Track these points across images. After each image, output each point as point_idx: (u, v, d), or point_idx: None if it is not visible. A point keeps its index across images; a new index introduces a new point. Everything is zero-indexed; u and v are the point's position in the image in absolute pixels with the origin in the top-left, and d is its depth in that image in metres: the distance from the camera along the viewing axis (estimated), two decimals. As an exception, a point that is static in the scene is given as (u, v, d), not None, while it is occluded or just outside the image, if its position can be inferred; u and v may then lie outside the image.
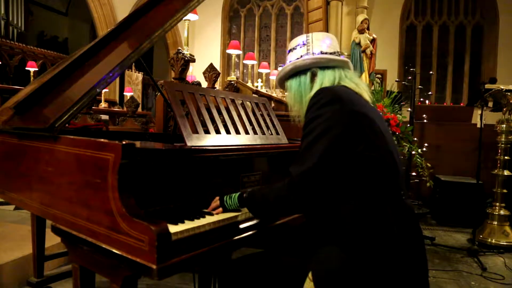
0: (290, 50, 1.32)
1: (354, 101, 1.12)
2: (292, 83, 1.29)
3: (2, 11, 8.75)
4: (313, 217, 1.15)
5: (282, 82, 1.35)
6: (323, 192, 1.07)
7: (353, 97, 1.15)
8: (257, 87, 5.53)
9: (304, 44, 1.28)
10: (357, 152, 1.06)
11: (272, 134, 1.77)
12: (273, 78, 6.14)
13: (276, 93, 5.71)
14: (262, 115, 1.79)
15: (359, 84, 1.24)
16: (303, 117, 1.25)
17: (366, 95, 1.22)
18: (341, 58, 1.26)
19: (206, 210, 1.24)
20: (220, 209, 1.23)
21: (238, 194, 1.24)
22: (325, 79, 1.22)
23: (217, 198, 1.26)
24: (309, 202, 1.09)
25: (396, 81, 6.05)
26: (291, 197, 1.09)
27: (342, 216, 1.07)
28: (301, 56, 1.26)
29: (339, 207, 1.08)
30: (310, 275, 1.14)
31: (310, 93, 1.21)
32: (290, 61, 1.29)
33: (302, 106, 1.25)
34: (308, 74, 1.25)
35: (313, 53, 1.26)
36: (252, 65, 5.91)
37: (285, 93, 1.37)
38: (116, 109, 7.62)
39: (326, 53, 1.25)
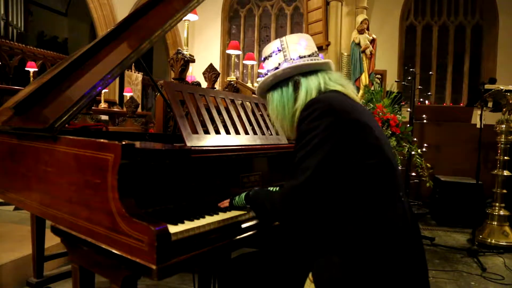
0: (266, 58, 1.24)
1: (347, 109, 1.07)
2: (274, 95, 1.21)
3: (2, 11, 8.75)
4: (309, 227, 1.14)
5: (263, 94, 1.28)
6: (318, 205, 1.05)
7: (345, 103, 1.10)
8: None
9: (279, 50, 1.20)
10: (356, 162, 1.03)
11: (271, 134, 1.77)
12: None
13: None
14: (261, 115, 1.79)
15: (345, 85, 1.18)
16: (287, 128, 1.23)
17: (354, 95, 1.18)
18: (321, 59, 1.20)
19: (218, 205, 1.27)
20: (227, 204, 1.26)
21: (245, 193, 1.24)
22: (309, 86, 1.15)
23: (230, 198, 1.28)
24: (302, 215, 1.07)
25: (395, 81, 6.05)
26: (283, 210, 1.08)
27: (341, 225, 1.05)
28: (279, 64, 1.19)
29: (338, 216, 1.06)
30: (310, 275, 1.13)
31: (296, 104, 1.16)
32: (268, 70, 1.22)
33: (285, 118, 1.20)
34: (290, 83, 1.19)
35: (291, 59, 1.18)
36: (252, 66, 5.90)
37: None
38: (115, 109, 7.62)
39: (304, 56, 1.18)
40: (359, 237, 1.03)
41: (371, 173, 1.05)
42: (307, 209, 1.05)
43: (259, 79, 1.28)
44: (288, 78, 1.19)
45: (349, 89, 1.18)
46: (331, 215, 1.06)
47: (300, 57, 1.18)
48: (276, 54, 1.21)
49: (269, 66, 1.22)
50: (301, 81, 1.17)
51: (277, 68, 1.20)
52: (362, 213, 1.04)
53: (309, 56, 1.19)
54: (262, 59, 1.26)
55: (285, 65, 1.18)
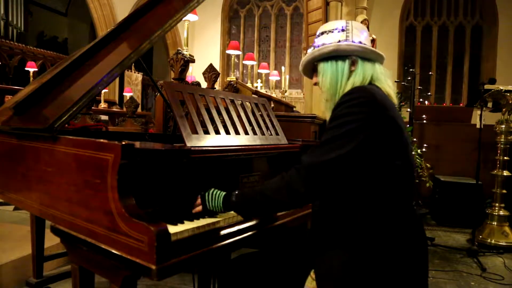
0: (325, 32, 1.23)
1: (388, 106, 1.06)
2: (328, 67, 1.20)
3: (2, 11, 8.75)
4: (319, 214, 1.14)
5: (310, 64, 1.26)
6: (332, 190, 1.04)
7: (387, 100, 1.10)
8: (256, 87, 5.52)
9: (343, 30, 1.20)
10: (385, 160, 1.03)
11: (271, 134, 1.77)
12: (272, 78, 6.13)
13: (276, 94, 5.71)
14: (261, 116, 1.79)
15: (391, 86, 1.19)
16: (333, 103, 1.17)
17: (394, 97, 1.18)
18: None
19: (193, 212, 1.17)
20: (200, 208, 1.17)
21: (223, 195, 1.17)
22: (366, 70, 1.16)
23: (199, 196, 1.20)
24: (312, 196, 1.06)
25: (395, 81, 6.05)
26: (294, 186, 1.04)
27: (352, 219, 1.05)
28: (339, 42, 1.19)
29: (351, 211, 1.05)
30: (312, 273, 1.13)
31: (348, 81, 1.16)
32: (324, 44, 1.21)
33: (335, 93, 1.18)
34: (347, 61, 1.18)
35: (353, 42, 1.18)
36: (252, 66, 5.90)
37: (317, 78, 1.23)
38: (115, 109, 7.61)
39: (365, 44, 1.19)
40: (369, 236, 1.03)
41: (395, 174, 1.05)
42: (320, 191, 1.03)
43: (309, 50, 1.26)
44: (347, 56, 1.18)
45: (391, 90, 1.18)
46: (344, 208, 1.06)
47: (361, 43, 1.19)
48: (338, 32, 1.20)
49: (327, 40, 1.21)
50: (359, 63, 1.17)
51: (338, 43, 1.19)
52: (377, 212, 1.04)
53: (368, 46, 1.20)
54: (320, 32, 1.25)
55: (347, 43, 1.18)
